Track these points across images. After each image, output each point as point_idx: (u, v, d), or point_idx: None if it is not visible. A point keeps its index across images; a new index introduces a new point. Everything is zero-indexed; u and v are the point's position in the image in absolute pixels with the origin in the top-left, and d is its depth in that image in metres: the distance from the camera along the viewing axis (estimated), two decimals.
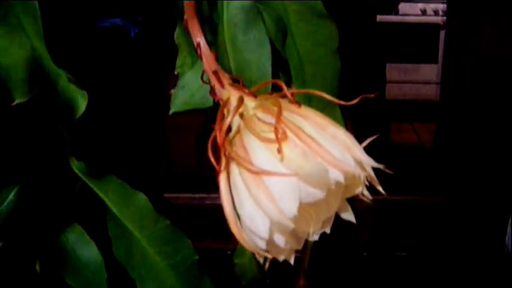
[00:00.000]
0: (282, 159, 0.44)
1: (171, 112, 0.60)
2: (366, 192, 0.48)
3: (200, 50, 0.56)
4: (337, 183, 0.44)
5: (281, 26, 0.57)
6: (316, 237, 0.50)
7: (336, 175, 0.44)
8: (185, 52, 0.61)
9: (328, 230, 0.50)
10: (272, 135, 0.46)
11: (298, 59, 0.59)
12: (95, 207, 0.62)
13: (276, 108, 0.48)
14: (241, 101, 0.49)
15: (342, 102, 0.50)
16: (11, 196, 0.62)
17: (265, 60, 0.55)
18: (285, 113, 0.47)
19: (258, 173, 0.44)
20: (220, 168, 0.47)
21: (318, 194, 0.44)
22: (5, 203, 0.62)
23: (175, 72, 0.62)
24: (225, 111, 0.50)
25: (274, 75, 0.57)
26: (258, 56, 0.55)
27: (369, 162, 0.46)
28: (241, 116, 0.49)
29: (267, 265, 0.50)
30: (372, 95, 0.50)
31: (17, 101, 0.63)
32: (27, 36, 0.60)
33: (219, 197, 0.48)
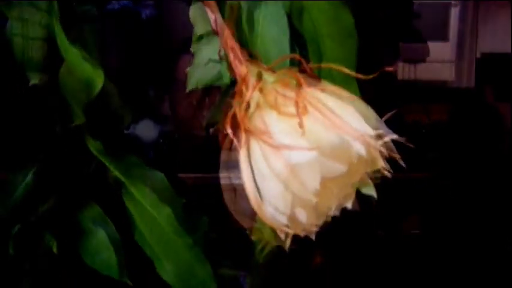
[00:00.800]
0: (302, 134, 0.44)
1: (187, 90, 0.60)
2: (386, 166, 0.48)
3: (216, 26, 0.55)
4: (359, 157, 0.44)
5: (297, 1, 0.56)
6: (337, 213, 0.50)
7: (358, 148, 0.43)
8: (201, 30, 0.61)
9: (349, 205, 0.50)
10: (292, 109, 0.45)
11: (315, 33, 0.58)
12: (111, 187, 0.62)
13: (295, 82, 0.47)
14: (260, 76, 0.48)
15: (360, 76, 0.50)
16: (28, 178, 0.62)
17: (282, 35, 0.54)
18: (304, 87, 0.47)
19: (279, 147, 0.44)
20: (240, 144, 0.47)
21: (339, 168, 0.44)
22: (23, 185, 0.62)
23: (191, 50, 0.61)
24: (243, 87, 0.50)
25: (292, 51, 0.57)
26: (275, 31, 0.54)
27: (388, 133, 0.45)
28: (261, 91, 0.48)
29: (288, 241, 0.50)
30: (390, 68, 0.49)
31: (32, 82, 0.63)
32: (43, 16, 0.60)
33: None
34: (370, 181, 0.50)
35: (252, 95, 0.47)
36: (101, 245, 0.60)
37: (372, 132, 0.45)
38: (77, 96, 0.61)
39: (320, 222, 0.49)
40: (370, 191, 0.50)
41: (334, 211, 0.49)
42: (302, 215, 0.46)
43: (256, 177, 0.46)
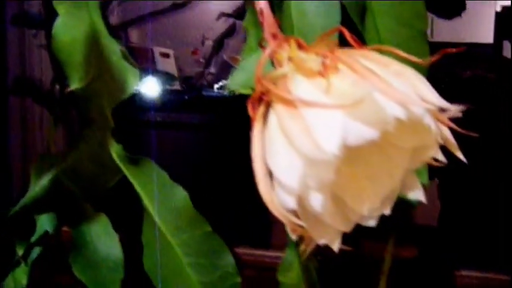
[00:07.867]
0: (327, 91, 0.35)
1: (228, 91, 0.52)
2: (440, 156, 0.36)
3: (262, 16, 0.49)
4: (399, 127, 0.33)
5: None
6: (372, 223, 0.38)
7: (395, 110, 0.33)
8: (252, 36, 0.55)
9: (387, 211, 0.38)
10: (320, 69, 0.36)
11: (379, 40, 0.50)
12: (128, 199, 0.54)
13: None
14: (288, 41, 0.40)
15: (417, 60, 0.40)
16: (44, 181, 0.56)
17: (333, 26, 0.47)
18: (340, 52, 0.38)
19: (294, 103, 0.35)
20: (255, 115, 0.38)
21: (369, 133, 0.33)
22: (38, 189, 0.56)
23: (240, 58, 0.55)
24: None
25: None
26: (325, 21, 0.47)
27: (440, 102, 0.34)
28: (290, 59, 0.40)
29: (307, 251, 0.38)
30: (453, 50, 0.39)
31: (72, 87, 0.59)
32: (87, 10, 0.57)
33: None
34: (418, 182, 0.38)
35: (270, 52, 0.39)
36: (101, 260, 0.51)
37: (441, 102, 0.34)
38: (110, 96, 0.55)
39: (348, 229, 0.38)
40: (418, 195, 0.38)
41: (367, 217, 0.38)
42: (317, 201, 0.34)
43: (268, 155, 0.37)
